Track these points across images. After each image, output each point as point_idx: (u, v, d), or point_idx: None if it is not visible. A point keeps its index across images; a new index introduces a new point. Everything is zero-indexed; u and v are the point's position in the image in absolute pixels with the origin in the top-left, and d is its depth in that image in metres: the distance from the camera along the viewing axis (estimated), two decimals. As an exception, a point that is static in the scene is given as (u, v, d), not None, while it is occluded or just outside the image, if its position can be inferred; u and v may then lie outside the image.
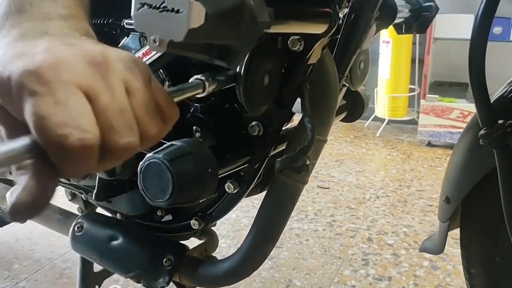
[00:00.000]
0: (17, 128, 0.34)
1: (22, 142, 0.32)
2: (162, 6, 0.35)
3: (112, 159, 0.34)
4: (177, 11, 0.34)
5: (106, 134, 0.33)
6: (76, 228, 0.83)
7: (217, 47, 0.39)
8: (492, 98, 0.74)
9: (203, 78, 0.51)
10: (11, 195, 0.32)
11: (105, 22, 0.78)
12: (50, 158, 0.32)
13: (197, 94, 0.50)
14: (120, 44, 0.79)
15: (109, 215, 0.91)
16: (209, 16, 0.35)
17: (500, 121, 0.60)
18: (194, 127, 0.72)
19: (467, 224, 0.80)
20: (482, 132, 0.61)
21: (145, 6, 0.36)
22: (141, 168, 0.56)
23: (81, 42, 0.36)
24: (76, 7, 0.43)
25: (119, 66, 0.35)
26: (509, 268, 0.77)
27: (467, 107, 2.68)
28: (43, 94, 0.31)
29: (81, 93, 0.32)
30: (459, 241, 0.84)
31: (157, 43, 0.36)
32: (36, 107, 0.31)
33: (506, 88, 0.74)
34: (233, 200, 0.76)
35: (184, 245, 0.80)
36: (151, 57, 0.65)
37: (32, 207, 0.32)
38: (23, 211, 0.32)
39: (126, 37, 0.79)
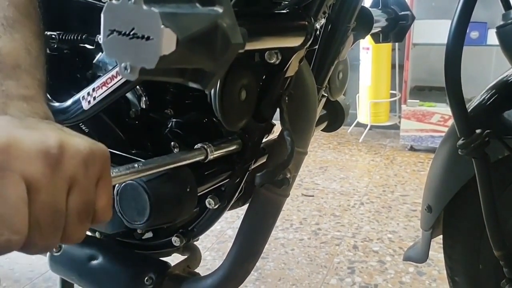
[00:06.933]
0: None
1: None
2: (132, 33, 0.34)
3: (23, 250, 0.34)
4: (148, 38, 0.33)
5: (31, 234, 0.32)
6: (54, 248, 0.81)
7: (191, 70, 0.38)
8: (470, 106, 0.74)
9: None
10: None
11: (79, 37, 0.76)
12: None
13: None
14: (95, 59, 0.78)
15: (89, 233, 0.89)
16: (181, 42, 0.34)
17: (477, 131, 0.60)
18: (172, 143, 0.71)
19: (450, 232, 0.80)
20: (460, 142, 0.61)
21: (115, 33, 0.35)
22: (117, 191, 0.54)
23: (42, 127, 0.35)
24: (37, 88, 0.43)
25: (72, 162, 0.34)
26: (492, 276, 0.77)
27: (447, 111, 2.70)
28: None
29: (24, 185, 0.32)
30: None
31: (128, 70, 0.35)
32: None
33: (484, 96, 0.75)
34: (214, 216, 0.75)
35: (166, 262, 0.78)
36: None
37: None
38: None
39: (101, 53, 0.77)
